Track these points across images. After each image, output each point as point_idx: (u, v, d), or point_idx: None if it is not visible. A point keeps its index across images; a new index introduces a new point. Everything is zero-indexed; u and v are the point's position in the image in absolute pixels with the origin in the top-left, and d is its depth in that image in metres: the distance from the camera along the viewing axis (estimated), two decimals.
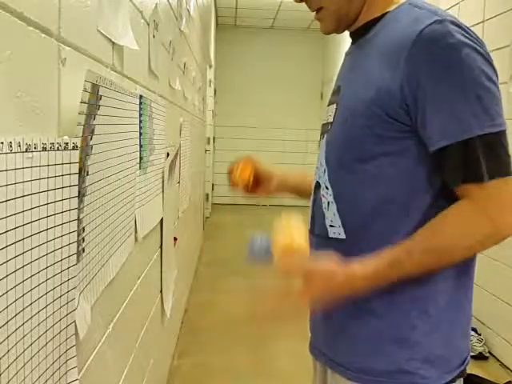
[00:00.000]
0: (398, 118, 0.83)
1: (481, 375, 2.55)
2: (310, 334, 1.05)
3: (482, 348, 2.90)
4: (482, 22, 3.08)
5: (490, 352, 2.93)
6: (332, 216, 0.93)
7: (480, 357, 2.86)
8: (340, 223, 0.91)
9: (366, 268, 0.85)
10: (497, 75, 0.83)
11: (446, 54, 0.80)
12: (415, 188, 0.86)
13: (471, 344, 2.90)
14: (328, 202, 0.94)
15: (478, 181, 0.80)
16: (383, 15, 0.92)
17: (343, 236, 0.91)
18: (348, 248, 0.90)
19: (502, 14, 2.90)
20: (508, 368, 2.80)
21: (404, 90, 0.82)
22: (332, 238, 0.93)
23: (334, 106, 0.96)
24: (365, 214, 0.89)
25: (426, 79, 0.80)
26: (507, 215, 0.81)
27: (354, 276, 0.86)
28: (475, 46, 0.81)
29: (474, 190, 0.81)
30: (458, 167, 0.81)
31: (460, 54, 0.79)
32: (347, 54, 1.03)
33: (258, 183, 1.22)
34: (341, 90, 0.97)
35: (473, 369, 2.65)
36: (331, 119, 0.96)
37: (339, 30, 0.99)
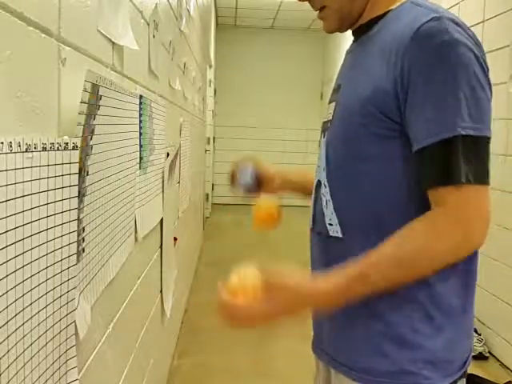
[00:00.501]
0: (392, 117, 0.83)
1: (481, 375, 2.55)
2: (311, 334, 1.05)
3: (482, 348, 2.89)
4: (482, 21, 3.08)
5: (490, 352, 2.93)
6: (330, 214, 0.93)
7: (480, 357, 2.86)
8: (337, 221, 0.91)
9: (327, 284, 0.83)
10: (490, 84, 0.82)
11: (440, 51, 0.79)
12: (412, 188, 0.85)
13: None
14: (326, 201, 0.94)
15: (454, 183, 0.77)
16: (386, 13, 0.92)
17: (340, 235, 0.91)
18: (347, 246, 0.90)
19: (501, 13, 2.90)
20: (508, 368, 2.80)
21: (397, 86, 0.81)
22: (332, 236, 0.93)
23: (334, 103, 0.96)
24: (361, 212, 0.89)
25: (417, 76, 0.80)
26: (479, 223, 0.79)
27: (315, 292, 0.84)
28: (472, 46, 0.80)
29: (448, 194, 0.78)
30: (435, 168, 0.79)
31: (454, 52, 0.79)
32: (348, 52, 1.03)
33: (260, 183, 1.23)
34: (341, 88, 0.97)
35: (473, 369, 2.63)
36: (331, 117, 0.96)
37: (342, 29, 0.99)
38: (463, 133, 0.77)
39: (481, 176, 0.79)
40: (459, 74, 0.78)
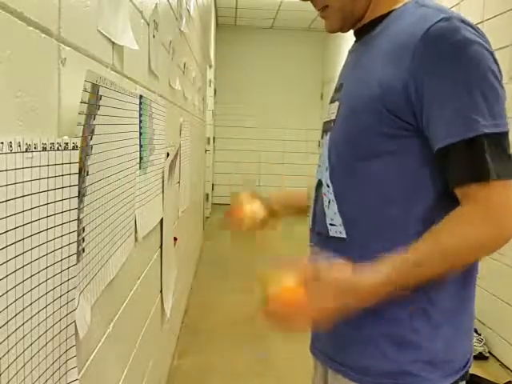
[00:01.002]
0: (401, 116, 0.83)
1: (481, 375, 2.55)
2: (309, 333, 1.05)
3: (481, 348, 2.89)
4: (482, 21, 3.08)
5: (489, 352, 2.93)
6: (332, 215, 0.92)
7: (480, 357, 2.86)
8: (341, 222, 0.91)
9: (374, 277, 0.82)
10: (501, 75, 0.83)
11: (453, 51, 0.79)
12: (418, 188, 0.85)
13: None
14: (329, 201, 0.94)
15: (484, 179, 0.78)
16: (389, 13, 0.92)
17: (344, 235, 0.90)
18: (348, 247, 0.89)
19: (502, 14, 2.90)
20: (508, 368, 2.80)
21: (409, 87, 0.81)
22: (332, 236, 0.92)
23: (337, 103, 0.96)
24: (366, 213, 0.89)
25: (431, 76, 0.80)
26: (510, 216, 0.80)
27: (360, 286, 0.82)
28: (483, 43, 0.81)
29: (478, 190, 0.79)
30: (463, 166, 0.79)
31: (468, 51, 0.79)
32: (351, 52, 1.03)
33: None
34: (343, 87, 0.97)
35: (473, 369, 2.61)
36: (334, 117, 0.95)
37: (344, 29, 0.99)
38: (487, 131, 0.78)
39: (508, 171, 0.79)
40: (474, 72, 0.79)
